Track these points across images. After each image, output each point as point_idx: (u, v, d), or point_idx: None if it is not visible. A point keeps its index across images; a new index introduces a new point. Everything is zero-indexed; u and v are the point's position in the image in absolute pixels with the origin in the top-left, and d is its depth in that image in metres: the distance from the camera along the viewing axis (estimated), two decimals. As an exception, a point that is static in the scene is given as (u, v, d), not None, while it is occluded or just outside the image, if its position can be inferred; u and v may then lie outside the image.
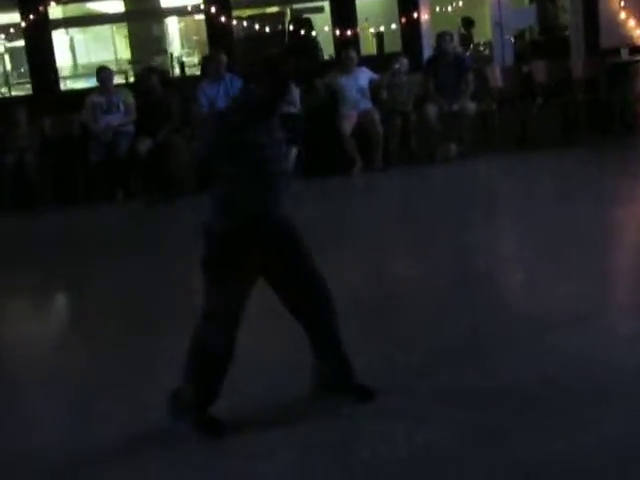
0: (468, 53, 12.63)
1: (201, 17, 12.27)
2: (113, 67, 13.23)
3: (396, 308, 5.58)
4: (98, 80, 10.65)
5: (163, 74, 12.30)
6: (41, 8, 11.18)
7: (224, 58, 10.44)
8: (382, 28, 11.91)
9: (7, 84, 13.59)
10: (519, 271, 6.39)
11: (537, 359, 4.44)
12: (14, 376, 5.26)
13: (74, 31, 15.36)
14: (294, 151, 4.40)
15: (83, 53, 15.68)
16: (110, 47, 15.59)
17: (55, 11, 14.28)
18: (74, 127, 10.59)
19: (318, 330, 4.10)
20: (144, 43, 14.34)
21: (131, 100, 10.47)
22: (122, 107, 10.45)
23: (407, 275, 6.35)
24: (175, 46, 15.30)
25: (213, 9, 11.25)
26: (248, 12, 13.88)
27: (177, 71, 13.53)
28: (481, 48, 14.02)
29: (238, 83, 10.54)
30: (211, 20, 11.38)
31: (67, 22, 14.14)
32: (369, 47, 12.40)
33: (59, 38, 15.23)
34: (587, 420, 3.77)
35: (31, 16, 11.13)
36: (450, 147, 10.39)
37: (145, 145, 10.19)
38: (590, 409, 3.87)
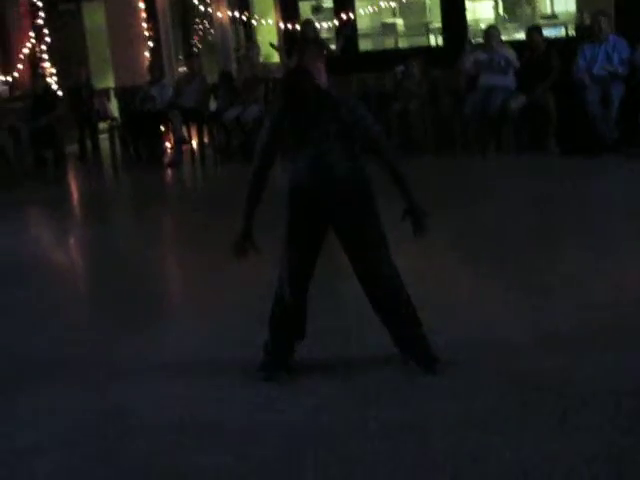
0: None
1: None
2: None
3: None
4: (484, 38, 11.08)
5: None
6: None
7: (604, 20, 10.24)
8: None
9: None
10: None
11: None
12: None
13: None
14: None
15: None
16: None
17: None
18: (460, 81, 11.21)
19: (372, 300, 4.43)
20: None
21: (513, 57, 10.78)
22: (503, 64, 10.79)
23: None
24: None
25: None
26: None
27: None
28: None
29: (622, 45, 10.29)
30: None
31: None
32: None
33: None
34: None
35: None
36: None
37: (518, 102, 10.47)
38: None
